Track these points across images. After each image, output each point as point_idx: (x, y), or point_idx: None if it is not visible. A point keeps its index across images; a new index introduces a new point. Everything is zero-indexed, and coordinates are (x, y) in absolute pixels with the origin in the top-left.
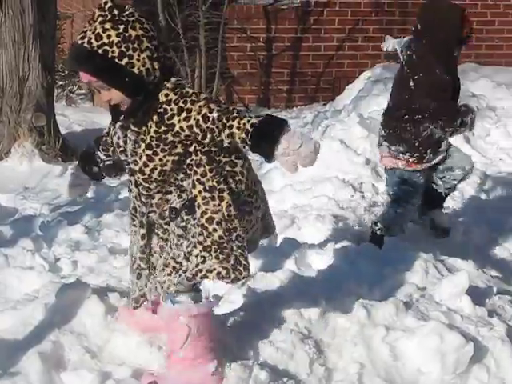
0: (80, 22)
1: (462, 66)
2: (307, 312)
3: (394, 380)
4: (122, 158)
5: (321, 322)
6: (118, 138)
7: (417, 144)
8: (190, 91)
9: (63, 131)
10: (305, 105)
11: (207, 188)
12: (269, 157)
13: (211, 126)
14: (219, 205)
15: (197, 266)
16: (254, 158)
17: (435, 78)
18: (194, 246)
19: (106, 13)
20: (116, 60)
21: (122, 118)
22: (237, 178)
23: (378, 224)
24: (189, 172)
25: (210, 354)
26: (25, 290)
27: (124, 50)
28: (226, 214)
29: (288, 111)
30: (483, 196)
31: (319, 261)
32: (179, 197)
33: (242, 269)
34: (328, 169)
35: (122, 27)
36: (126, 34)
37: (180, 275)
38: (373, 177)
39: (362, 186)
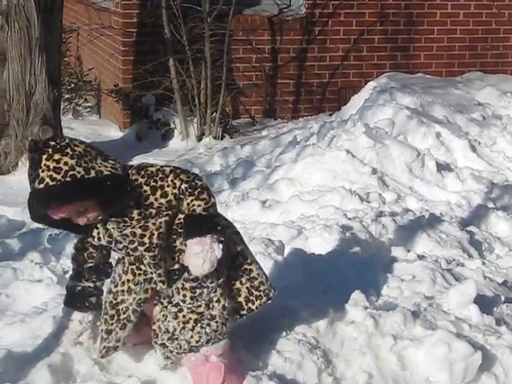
0: (86, 36)
1: (468, 74)
2: (315, 322)
3: None
4: (114, 248)
5: (329, 331)
6: (99, 235)
7: None
8: (154, 169)
9: None
10: (311, 115)
11: None
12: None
13: (181, 196)
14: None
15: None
16: (261, 168)
17: None
18: (215, 290)
19: (45, 149)
20: (86, 176)
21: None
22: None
23: None
24: (180, 230)
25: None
26: (33, 303)
27: (85, 165)
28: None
29: (294, 122)
30: (490, 204)
31: (326, 271)
32: (172, 259)
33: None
34: (334, 179)
35: (68, 150)
36: (76, 152)
37: (209, 324)
38: (379, 186)
39: (369, 196)
